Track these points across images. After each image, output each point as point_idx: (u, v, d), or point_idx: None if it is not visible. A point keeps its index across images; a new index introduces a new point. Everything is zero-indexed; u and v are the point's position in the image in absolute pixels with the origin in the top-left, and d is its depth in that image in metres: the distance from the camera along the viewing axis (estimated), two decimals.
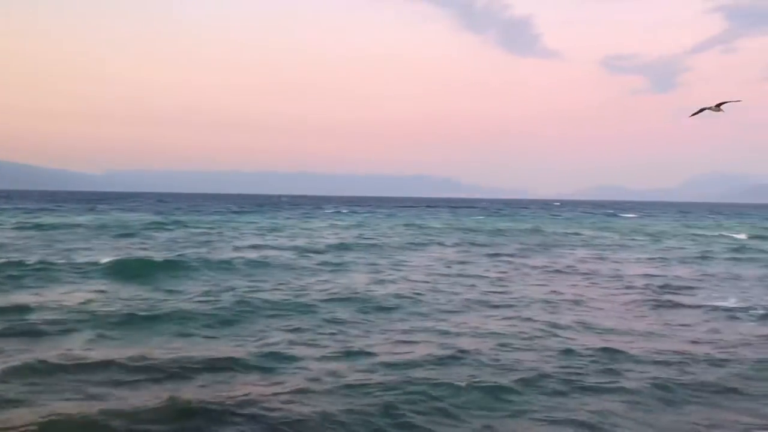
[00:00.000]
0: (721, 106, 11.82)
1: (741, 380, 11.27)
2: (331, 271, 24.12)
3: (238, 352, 12.04)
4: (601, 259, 32.21)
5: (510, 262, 29.31)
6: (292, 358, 11.78)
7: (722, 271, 27.86)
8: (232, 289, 19.17)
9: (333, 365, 11.45)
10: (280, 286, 20.00)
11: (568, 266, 28.52)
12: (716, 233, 55.33)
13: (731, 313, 17.49)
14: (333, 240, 37.81)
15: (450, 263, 28.06)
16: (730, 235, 53.09)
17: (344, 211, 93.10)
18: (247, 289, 19.09)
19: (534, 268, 27.69)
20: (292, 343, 13.00)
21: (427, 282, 21.96)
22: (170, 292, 18.55)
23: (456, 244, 38.26)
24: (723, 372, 11.72)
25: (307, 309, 16.38)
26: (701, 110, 12.21)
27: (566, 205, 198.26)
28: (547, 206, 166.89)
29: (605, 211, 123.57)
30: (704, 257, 33.65)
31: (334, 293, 18.77)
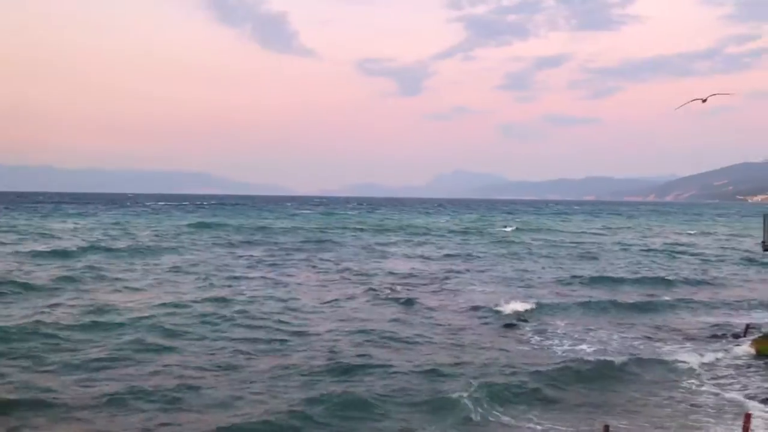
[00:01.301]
0: (708, 98, 15.06)
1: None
2: (64, 280, 21.21)
3: None
4: (360, 256, 33.00)
5: (265, 262, 28.66)
6: None
7: (479, 265, 29.97)
8: None
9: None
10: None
11: (324, 263, 28.70)
12: (480, 224, 59.56)
13: (474, 311, 18.21)
14: (76, 243, 34.00)
15: (195, 267, 26.52)
16: (500, 228, 58.22)
17: (96, 209, 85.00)
18: None
19: (287, 265, 27.40)
20: None
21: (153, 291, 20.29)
22: None
23: (213, 245, 36.44)
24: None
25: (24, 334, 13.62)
26: (692, 101, 15.57)
27: (331, 201, 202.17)
28: (307, 202, 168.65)
29: (367, 207, 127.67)
30: (468, 253, 35.70)
31: (60, 313, 16.33)
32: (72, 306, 17.01)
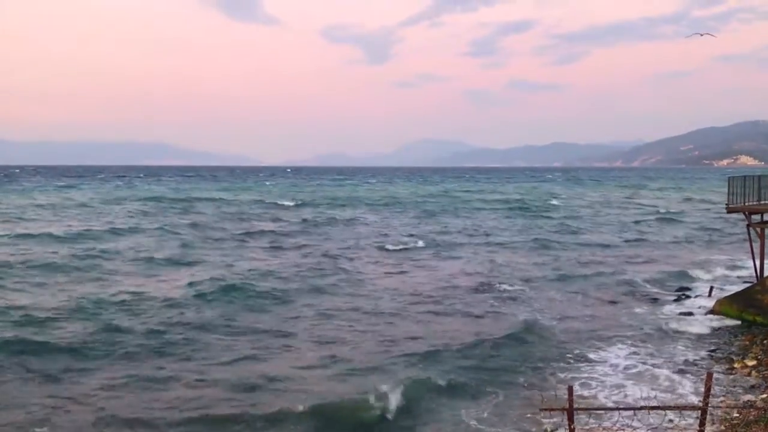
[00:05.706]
0: (704, 35, 26.22)
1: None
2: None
3: None
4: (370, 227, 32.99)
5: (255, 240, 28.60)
6: None
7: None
8: None
9: None
10: None
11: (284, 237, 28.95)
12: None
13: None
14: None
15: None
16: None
17: (60, 184, 79.90)
18: None
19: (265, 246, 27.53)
20: None
21: None
22: None
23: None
24: None
25: None
26: (696, 34, 28.83)
27: (300, 171, 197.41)
28: (278, 173, 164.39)
29: (342, 177, 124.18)
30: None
31: None
32: None
